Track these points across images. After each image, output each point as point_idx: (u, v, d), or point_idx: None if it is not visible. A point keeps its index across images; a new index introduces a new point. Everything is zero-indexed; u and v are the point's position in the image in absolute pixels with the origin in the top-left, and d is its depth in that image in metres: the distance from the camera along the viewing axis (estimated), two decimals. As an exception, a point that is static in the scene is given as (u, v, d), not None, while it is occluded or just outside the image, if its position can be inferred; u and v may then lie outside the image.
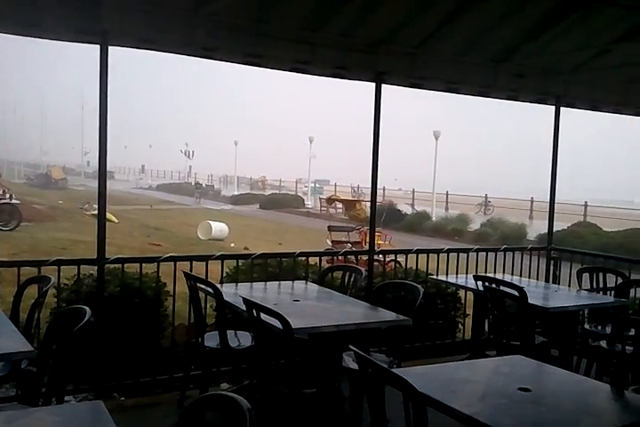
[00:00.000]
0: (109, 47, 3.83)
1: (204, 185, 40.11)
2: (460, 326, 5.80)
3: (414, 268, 5.64)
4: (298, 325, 3.21)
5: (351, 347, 2.35)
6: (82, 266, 4.20)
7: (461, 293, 5.65)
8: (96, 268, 4.08)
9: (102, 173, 3.94)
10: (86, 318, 2.67)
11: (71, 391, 4.08)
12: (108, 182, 4.04)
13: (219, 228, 16.73)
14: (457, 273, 5.57)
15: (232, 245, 14.83)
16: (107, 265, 4.12)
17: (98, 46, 3.81)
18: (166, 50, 4.16)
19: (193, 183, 41.05)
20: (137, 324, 4.29)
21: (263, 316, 3.30)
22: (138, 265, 4.36)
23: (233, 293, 4.15)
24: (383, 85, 4.91)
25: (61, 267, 4.07)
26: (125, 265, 4.34)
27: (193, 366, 4.16)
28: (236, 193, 36.97)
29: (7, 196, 13.38)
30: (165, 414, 3.96)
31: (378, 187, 5.16)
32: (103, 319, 3.99)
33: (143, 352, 4.32)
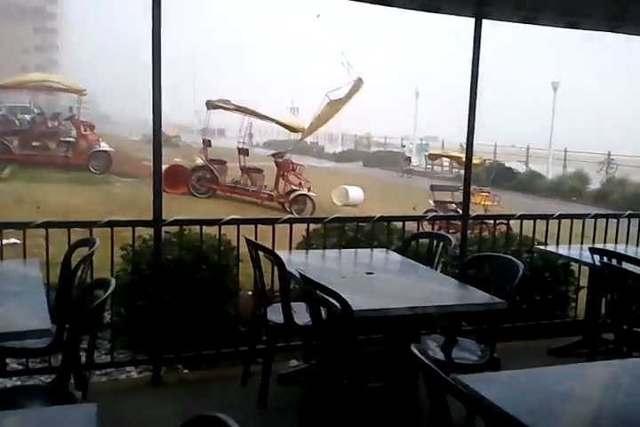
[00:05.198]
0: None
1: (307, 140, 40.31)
2: (573, 303, 5.02)
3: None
4: (362, 305, 2.69)
5: (412, 347, 1.80)
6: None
7: (574, 264, 4.86)
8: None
9: (157, 129, 3.55)
10: (107, 293, 2.31)
11: (129, 363, 3.88)
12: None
13: (355, 193, 15.75)
14: (570, 242, 4.79)
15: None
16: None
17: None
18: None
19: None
20: (200, 292, 3.96)
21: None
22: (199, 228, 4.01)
23: (302, 262, 3.71)
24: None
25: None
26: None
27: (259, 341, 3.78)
28: (339, 150, 36.41)
29: (305, 189, 14.13)
30: (227, 392, 3.64)
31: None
32: (161, 285, 3.71)
33: (207, 322, 4.00)
